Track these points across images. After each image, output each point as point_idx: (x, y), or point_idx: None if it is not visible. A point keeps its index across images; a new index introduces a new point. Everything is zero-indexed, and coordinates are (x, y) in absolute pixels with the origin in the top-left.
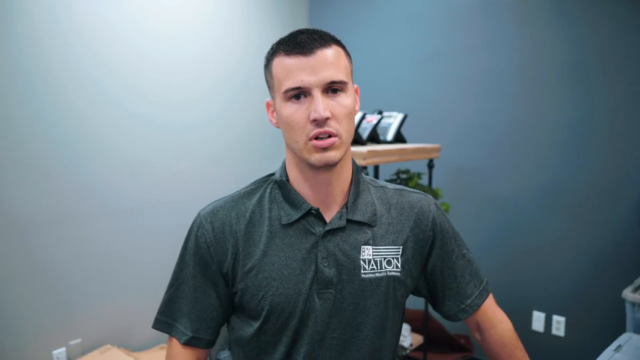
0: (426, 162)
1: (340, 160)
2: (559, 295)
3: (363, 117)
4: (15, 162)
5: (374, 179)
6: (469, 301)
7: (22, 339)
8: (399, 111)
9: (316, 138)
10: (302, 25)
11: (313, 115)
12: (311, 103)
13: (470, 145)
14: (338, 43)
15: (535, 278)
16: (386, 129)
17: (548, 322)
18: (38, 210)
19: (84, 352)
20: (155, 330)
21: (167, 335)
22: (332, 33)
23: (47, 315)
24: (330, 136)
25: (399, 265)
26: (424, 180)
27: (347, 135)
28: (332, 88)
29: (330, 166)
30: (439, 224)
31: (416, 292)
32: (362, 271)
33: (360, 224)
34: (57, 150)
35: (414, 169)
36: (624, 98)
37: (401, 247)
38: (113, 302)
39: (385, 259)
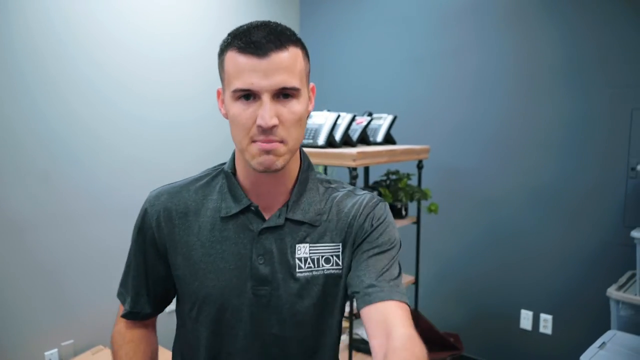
0: (416, 163)
1: (282, 167)
2: (546, 294)
3: (353, 119)
4: (11, 162)
5: (332, 179)
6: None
7: (15, 339)
8: (389, 113)
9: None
10: (294, 26)
11: (259, 122)
12: (260, 107)
13: (460, 146)
14: (296, 43)
15: (523, 278)
16: (376, 130)
17: (536, 321)
18: (34, 210)
19: (76, 353)
20: None
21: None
22: (322, 34)
23: (39, 316)
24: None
25: (340, 263)
26: (414, 181)
27: (294, 142)
28: (284, 93)
29: (271, 172)
30: (369, 217)
31: None
32: (297, 270)
33: (300, 223)
34: (53, 150)
35: (403, 170)
36: (615, 100)
37: (340, 244)
38: (105, 303)
39: (323, 257)
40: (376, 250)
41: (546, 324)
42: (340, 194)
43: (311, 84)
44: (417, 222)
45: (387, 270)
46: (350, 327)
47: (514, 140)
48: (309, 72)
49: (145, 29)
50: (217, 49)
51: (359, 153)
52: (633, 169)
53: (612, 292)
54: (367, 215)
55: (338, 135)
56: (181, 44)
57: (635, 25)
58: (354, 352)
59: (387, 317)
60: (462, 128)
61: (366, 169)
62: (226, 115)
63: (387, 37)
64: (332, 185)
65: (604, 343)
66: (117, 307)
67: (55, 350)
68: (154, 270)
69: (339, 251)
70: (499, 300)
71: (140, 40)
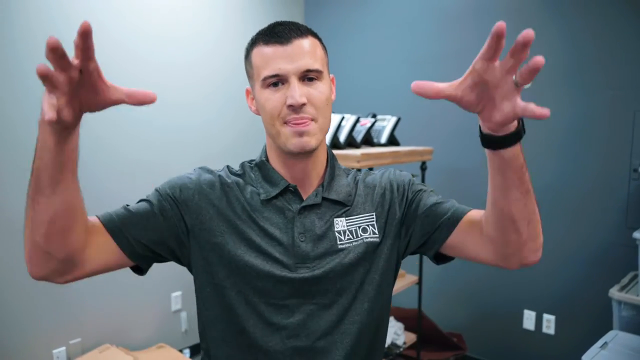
0: (419, 164)
1: (317, 147)
2: (549, 294)
3: (357, 121)
4: (11, 162)
5: (348, 168)
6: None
7: (23, 338)
8: (393, 114)
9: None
10: None
11: (289, 101)
12: (288, 89)
13: (463, 147)
14: (314, 35)
15: (526, 278)
16: (380, 131)
17: (539, 321)
18: None
19: (84, 351)
20: (153, 330)
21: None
22: (326, 36)
23: (47, 315)
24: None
25: (376, 231)
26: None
27: (324, 120)
28: (309, 76)
29: (306, 153)
30: (398, 181)
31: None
32: (338, 242)
33: (335, 202)
34: None
35: (407, 171)
36: (617, 102)
37: (374, 213)
38: (112, 302)
39: (360, 227)
40: (425, 206)
41: (549, 324)
42: (361, 175)
43: (331, 75)
44: None
45: (444, 202)
46: None
47: None
48: (328, 63)
49: (150, 32)
50: (222, 53)
51: (363, 154)
52: (635, 170)
53: (615, 292)
54: (397, 184)
55: (342, 137)
56: (186, 47)
57: (637, 27)
58: None
59: (472, 215)
60: (465, 129)
61: (370, 170)
62: (257, 112)
63: (390, 39)
64: (352, 172)
65: (605, 343)
66: (123, 306)
67: (63, 348)
68: (160, 226)
69: (373, 220)
70: (502, 300)
71: (145, 43)
